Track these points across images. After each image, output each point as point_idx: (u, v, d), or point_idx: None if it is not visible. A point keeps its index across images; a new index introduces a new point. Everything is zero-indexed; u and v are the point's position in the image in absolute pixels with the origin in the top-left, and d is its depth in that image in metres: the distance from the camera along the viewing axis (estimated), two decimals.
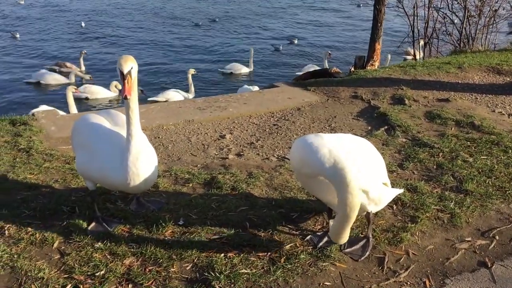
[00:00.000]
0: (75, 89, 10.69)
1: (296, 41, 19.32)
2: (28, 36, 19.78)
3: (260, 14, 25.84)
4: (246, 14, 25.51)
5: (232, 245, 3.25)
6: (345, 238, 2.98)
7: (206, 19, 23.66)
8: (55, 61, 15.60)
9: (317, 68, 13.74)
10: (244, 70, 15.37)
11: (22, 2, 26.84)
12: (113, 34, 20.88)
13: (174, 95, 11.92)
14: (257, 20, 24.30)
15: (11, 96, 13.17)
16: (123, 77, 3.02)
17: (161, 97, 11.76)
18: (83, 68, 14.79)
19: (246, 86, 12.22)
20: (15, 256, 3.06)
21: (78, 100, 11.40)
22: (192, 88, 12.33)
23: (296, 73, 13.31)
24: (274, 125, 5.86)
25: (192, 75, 12.42)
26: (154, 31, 21.48)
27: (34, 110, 9.22)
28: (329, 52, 15.20)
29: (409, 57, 12.95)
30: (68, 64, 14.93)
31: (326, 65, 14.40)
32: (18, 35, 19.12)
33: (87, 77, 14.28)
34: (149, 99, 11.56)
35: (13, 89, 13.74)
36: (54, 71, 14.66)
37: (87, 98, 12.48)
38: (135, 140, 3.13)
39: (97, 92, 12.55)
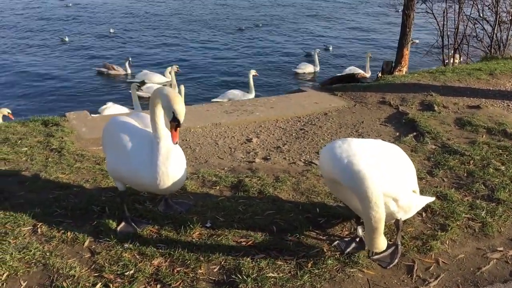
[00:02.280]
0: (138, 87, 11.34)
1: (331, 48, 19.24)
2: (76, 38, 20.36)
3: (302, 18, 26.10)
4: (289, 18, 25.80)
5: (259, 248, 3.26)
6: (381, 245, 2.94)
7: (248, 24, 23.93)
8: (103, 63, 16.09)
9: (359, 70, 14.00)
10: (312, 69, 16.17)
11: (70, 5, 27.68)
12: (158, 37, 21.28)
13: (236, 94, 12.32)
14: (299, 24, 24.56)
15: (77, 93, 14.01)
16: (177, 125, 3.05)
17: (224, 97, 12.21)
18: (129, 71, 15.34)
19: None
20: (47, 254, 3.13)
21: (141, 98, 12.00)
22: (252, 88, 12.71)
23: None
24: (301, 129, 5.85)
25: (253, 76, 12.85)
26: (199, 34, 21.84)
27: (103, 107, 10.57)
28: (370, 53, 15.30)
29: (455, 62, 12.85)
30: (115, 66, 15.50)
31: (368, 67, 14.57)
32: (67, 38, 19.75)
33: (177, 70, 15.11)
34: (212, 100, 11.98)
35: (76, 87, 14.50)
36: (102, 73, 15.48)
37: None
38: (164, 141, 3.17)
39: None
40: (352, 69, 14.50)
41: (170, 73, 13.25)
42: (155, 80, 14.34)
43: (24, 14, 25.01)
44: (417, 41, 18.43)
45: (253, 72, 12.77)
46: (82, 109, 6.68)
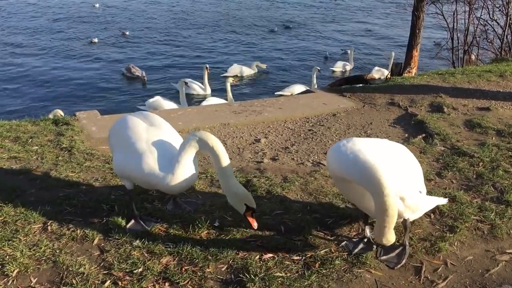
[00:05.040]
0: (185, 83, 12.14)
1: (349, 52, 19.36)
2: (105, 40, 20.48)
3: (327, 19, 26.47)
4: (314, 20, 26.14)
5: (267, 248, 3.27)
6: (391, 238, 2.94)
7: (280, 25, 24.19)
8: (127, 65, 16.27)
9: (384, 70, 14.45)
10: (347, 67, 17.13)
11: (97, 5, 27.78)
12: (197, 37, 21.51)
13: (299, 88, 12.86)
14: (325, 25, 24.91)
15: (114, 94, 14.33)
16: (252, 213, 3.20)
17: (287, 91, 12.83)
18: (144, 75, 15.54)
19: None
20: (57, 251, 3.16)
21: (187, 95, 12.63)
22: (315, 84, 13.55)
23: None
24: (309, 130, 5.85)
25: (317, 73, 13.87)
26: (234, 35, 22.09)
27: (150, 100, 11.30)
28: (394, 54, 15.73)
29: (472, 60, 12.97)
30: (132, 69, 15.66)
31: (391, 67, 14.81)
32: (96, 40, 19.94)
33: (264, 66, 16.49)
34: (276, 93, 12.73)
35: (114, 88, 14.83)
36: (123, 74, 15.78)
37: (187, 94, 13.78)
38: (184, 156, 3.23)
39: (197, 89, 13.98)
40: (377, 69, 15.13)
41: (206, 72, 13.83)
42: (245, 73, 15.85)
43: (52, 15, 25.13)
44: (439, 42, 18.45)
45: (317, 69, 14.01)
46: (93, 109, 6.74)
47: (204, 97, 13.38)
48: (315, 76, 13.74)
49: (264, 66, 16.45)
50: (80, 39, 20.32)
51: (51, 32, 21.47)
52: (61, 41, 19.96)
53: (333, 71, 16.89)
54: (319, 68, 14.16)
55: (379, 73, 14.37)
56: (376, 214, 2.92)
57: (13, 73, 15.67)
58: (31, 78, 15.26)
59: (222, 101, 11.10)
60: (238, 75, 15.76)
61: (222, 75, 15.48)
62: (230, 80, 12.40)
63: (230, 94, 11.95)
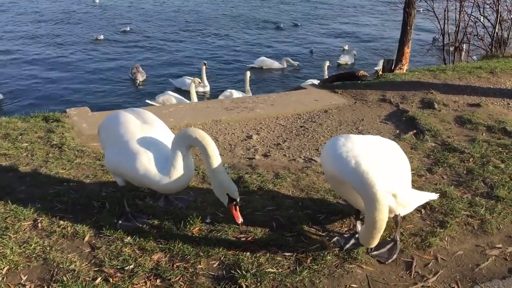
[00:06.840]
0: (199, 82, 12.34)
1: (346, 47, 19.39)
2: (110, 37, 20.21)
3: (329, 16, 26.71)
4: (321, 17, 26.45)
5: (259, 244, 3.27)
6: (376, 243, 2.96)
7: (287, 22, 24.32)
8: (134, 64, 16.00)
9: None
10: (350, 60, 17.75)
11: (97, 1, 27.46)
12: (207, 36, 21.36)
13: (313, 83, 13.04)
14: (328, 22, 25.18)
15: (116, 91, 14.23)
16: (236, 204, 3.15)
17: (303, 84, 12.82)
18: (141, 78, 15.23)
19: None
20: (48, 248, 3.14)
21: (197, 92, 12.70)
22: (327, 77, 13.69)
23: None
24: (301, 126, 5.86)
25: (328, 66, 14.47)
26: (241, 33, 22.05)
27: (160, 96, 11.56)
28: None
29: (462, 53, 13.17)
30: (134, 69, 15.48)
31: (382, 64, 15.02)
32: (102, 37, 19.69)
33: (295, 63, 16.77)
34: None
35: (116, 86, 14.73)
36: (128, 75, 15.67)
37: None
38: (179, 156, 3.23)
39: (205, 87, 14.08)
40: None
41: (204, 69, 13.75)
42: (272, 66, 16.19)
43: (52, 12, 24.82)
44: (431, 39, 18.56)
45: (327, 63, 14.48)
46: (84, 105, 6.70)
47: (203, 94, 13.40)
48: (326, 69, 14.01)
49: (295, 63, 16.68)
50: (84, 36, 20.02)
51: (53, 30, 21.18)
52: (64, 39, 19.66)
53: (339, 64, 17.20)
54: (329, 63, 14.50)
55: None
56: (365, 223, 2.92)
57: (15, 72, 15.46)
58: (33, 77, 15.06)
59: (240, 94, 11.24)
60: (264, 67, 16.07)
61: (249, 65, 15.75)
62: (249, 73, 12.54)
63: (247, 86, 12.11)
